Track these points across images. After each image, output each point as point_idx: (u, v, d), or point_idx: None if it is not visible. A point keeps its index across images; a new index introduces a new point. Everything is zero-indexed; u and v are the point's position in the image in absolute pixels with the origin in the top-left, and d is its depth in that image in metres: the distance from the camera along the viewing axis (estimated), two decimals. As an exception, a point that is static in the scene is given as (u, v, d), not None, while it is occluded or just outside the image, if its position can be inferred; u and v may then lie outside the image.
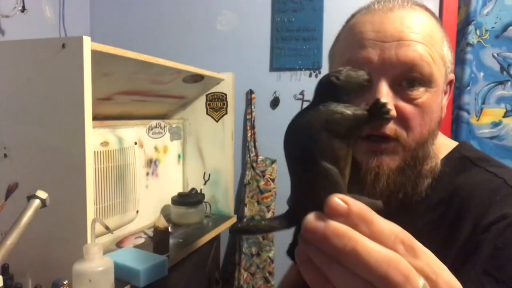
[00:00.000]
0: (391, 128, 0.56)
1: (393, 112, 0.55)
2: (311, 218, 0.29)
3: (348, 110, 0.33)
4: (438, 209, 0.58)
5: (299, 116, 0.35)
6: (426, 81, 0.56)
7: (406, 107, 0.56)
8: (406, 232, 0.28)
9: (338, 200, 0.28)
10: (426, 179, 0.59)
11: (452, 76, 0.64)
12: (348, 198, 0.29)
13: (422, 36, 0.56)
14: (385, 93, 0.55)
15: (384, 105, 0.34)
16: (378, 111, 0.34)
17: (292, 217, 0.35)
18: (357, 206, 0.28)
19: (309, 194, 0.33)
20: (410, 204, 0.59)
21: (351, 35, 0.60)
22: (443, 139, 0.66)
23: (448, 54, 0.60)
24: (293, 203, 0.35)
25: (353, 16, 0.63)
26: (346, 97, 0.34)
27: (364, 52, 0.56)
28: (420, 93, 0.56)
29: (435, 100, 0.58)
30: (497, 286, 0.45)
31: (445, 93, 0.63)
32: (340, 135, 0.33)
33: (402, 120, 0.56)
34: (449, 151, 0.64)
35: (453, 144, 0.66)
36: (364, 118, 0.34)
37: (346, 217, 0.28)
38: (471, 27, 1.68)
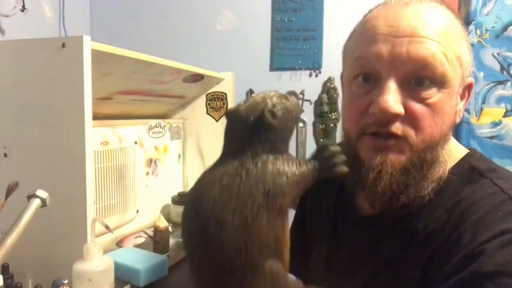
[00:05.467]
0: (398, 127, 0.54)
1: (401, 109, 0.53)
2: None
3: (292, 168, 0.23)
4: (440, 220, 0.55)
5: (216, 183, 0.21)
6: (438, 81, 0.53)
7: (416, 106, 0.53)
8: None
9: None
10: (431, 183, 0.56)
11: (471, 80, 0.60)
12: None
13: (437, 34, 0.53)
14: (393, 90, 0.52)
15: (332, 153, 0.25)
16: (325, 163, 0.24)
17: None
18: None
19: None
20: (412, 208, 0.57)
21: (364, 29, 0.57)
22: (453, 145, 0.62)
23: (466, 55, 0.57)
24: None
25: (370, 11, 0.61)
26: (282, 141, 0.23)
27: (374, 48, 0.54)
28: (432, 93, 0.53)
29: (448, 102, 0.55)
30: None
31: (462, 97, 0.59)
32: (283, 209, 0.22)
33: (411, 119, 0.54)
34: (458, 160, 0.61)
35: (463, 151, 0.63)
36: (310, 177, 0.24)
37: None
38: (471, 27, 1.68)
